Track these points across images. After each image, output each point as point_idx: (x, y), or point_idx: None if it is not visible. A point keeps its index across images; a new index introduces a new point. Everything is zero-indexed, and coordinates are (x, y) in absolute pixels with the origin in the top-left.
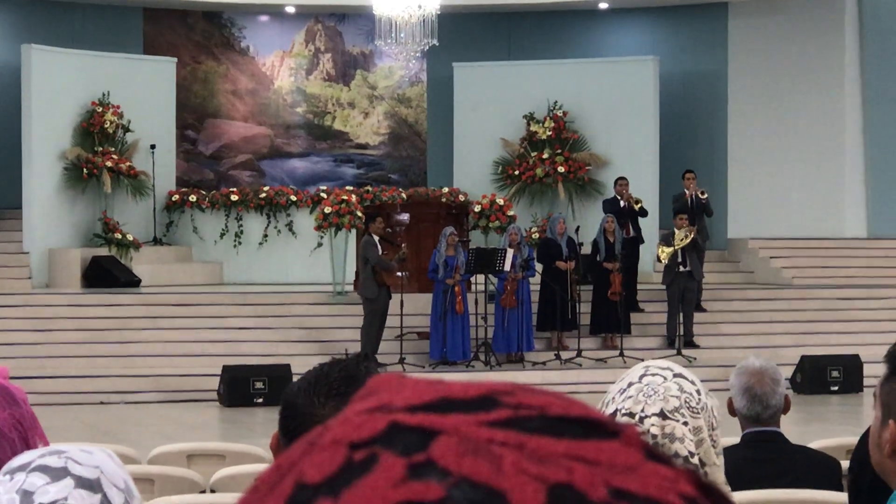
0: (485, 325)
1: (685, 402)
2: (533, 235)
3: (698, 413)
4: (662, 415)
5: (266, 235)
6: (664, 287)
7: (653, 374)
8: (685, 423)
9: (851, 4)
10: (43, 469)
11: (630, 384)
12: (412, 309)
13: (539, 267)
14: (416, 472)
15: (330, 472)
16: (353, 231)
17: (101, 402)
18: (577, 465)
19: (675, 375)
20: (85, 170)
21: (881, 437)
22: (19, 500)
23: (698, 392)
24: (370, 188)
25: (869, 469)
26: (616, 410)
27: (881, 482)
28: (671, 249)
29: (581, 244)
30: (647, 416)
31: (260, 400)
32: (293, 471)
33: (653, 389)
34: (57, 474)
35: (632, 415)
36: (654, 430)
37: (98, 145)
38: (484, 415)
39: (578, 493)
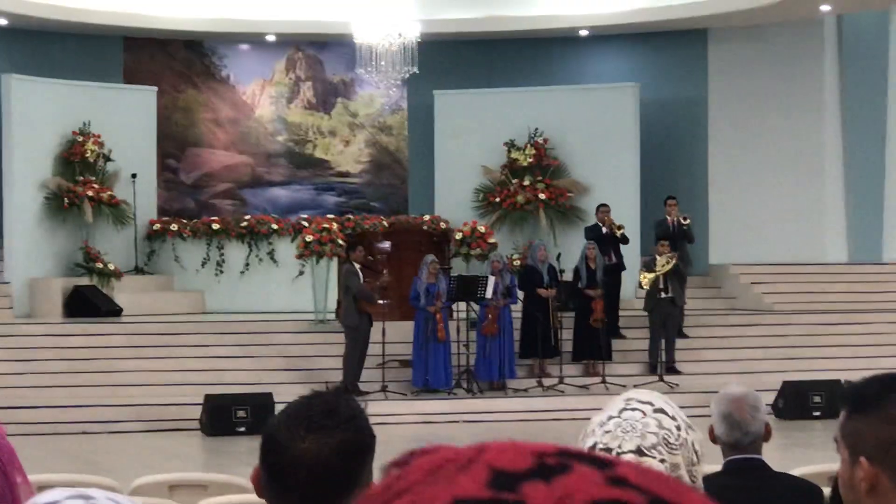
0: (467, 352)
1: (663, 438)
2: (514, 263)
3: (676, 450)
4: (639, 451)
5: (248, 264)
6: (646, 313)
7: (633, 409)
8: (662, 461)
9: (831, 32)
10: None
11: (610, 417)
12: (394, 337)
13: (521, 294)
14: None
15: None
16: (335, 259)
17: (84, 432)
18: None
19: (656, 410)
20: (66, 199)
21: (853, 477)
22: None
23: (678, 427)
24: (351, 216)
25: None
26: (595, 444)
27: None
28: (653, 275)
29: (562, 271)
30: (623, 453)
31: (242, 429)
32: None
33: (630, 425)
34: None
35: (609, 450)
36: None
37: (79, 175)
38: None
39: None
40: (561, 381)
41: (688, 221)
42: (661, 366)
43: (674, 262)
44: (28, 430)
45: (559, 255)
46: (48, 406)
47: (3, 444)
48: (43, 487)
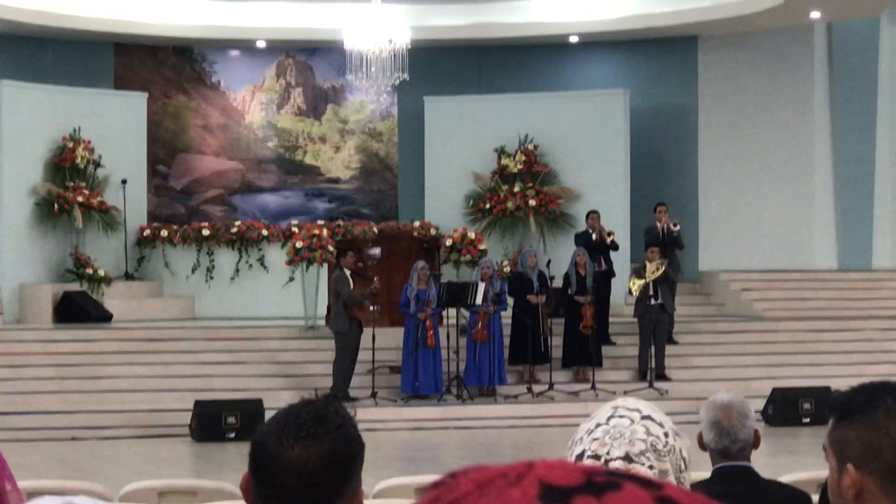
0: (456, 358)
1: (651, 445)
2: (504, 269)
3: (664, 456)
4: (628, 458)
5: (238, 270)
6: (636, 320)
7: (621, 416)
8: (650, 467)
9: (821, 39)
10: None
11: (598, 425)
12: (384, 343)
13: (510, 301)
14: None
15: None
16: (325, 265)
17: (73, 438)
18: None
19: (644, 417)
20: (56, 205)
21: (841, 484)
22: None
23: (666, 434)
24: (341, 222)
25: None
26: (583, 451)
27: None
28: (643, 282)
29: (552, 278)
30: (612, 459)
31: (232, 435)
32: None
33: (619, 432)
34: None
35: (597, 457)
36: None
37: (69, 180)
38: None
39: None
40: (551, 388)
41: (677, 228)
42: (650, 372)
43: (663, 268)
44: (17, 437)
45: (549, 261)
46: (38, 412)
47: None
48: (32, 494)
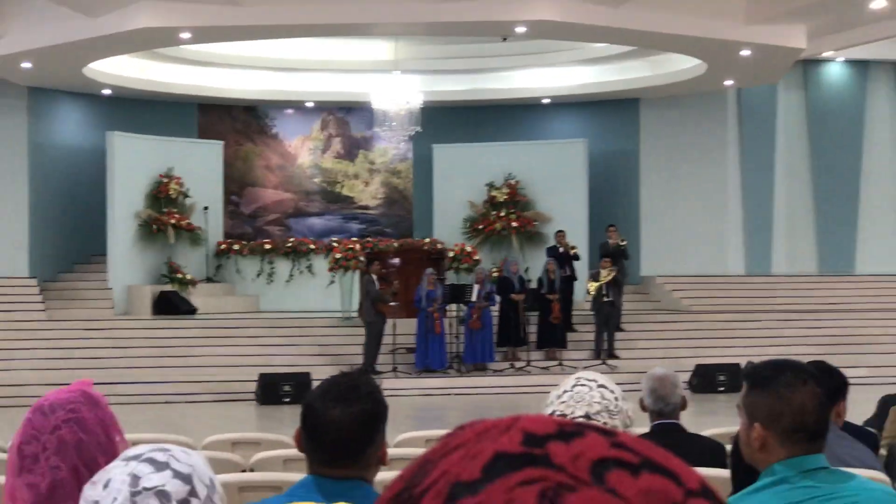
0: (457, 342)
1: (605, 406)
2: (493, 274)
3: (615, 415)
4: (587, 416)
5: (291, 275)
6: (592, 313)
7: (581, 385)
8: (605, 423)
9: (732, 101)
10: (150, 461)
11: (565, 391)
12: (402, 330)
13: (498, 298)
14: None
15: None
16: (357, 272)
17: (167, 402)
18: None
19: (599, 386)
20: (154, 226)
21: (749, 437)
22: (129, 482)
23: (616, 399)
24: (370, 239)
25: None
26: (553, 411)
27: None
28: (598, 284)
29: (529, 280)
30: (575, 417)
31: (287, 399)
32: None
33: (580, 397)
34: (160, 466)
35: (564, 415)
36: None
37: (164, 207)
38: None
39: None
40: (528, 364)
41: (625, 243)
42: (603, 353)
43: (614, 274)
44: (125, 401)
45: (527, 268)
46: (140, 382)
47: (106, 411)
48: (135, 443)
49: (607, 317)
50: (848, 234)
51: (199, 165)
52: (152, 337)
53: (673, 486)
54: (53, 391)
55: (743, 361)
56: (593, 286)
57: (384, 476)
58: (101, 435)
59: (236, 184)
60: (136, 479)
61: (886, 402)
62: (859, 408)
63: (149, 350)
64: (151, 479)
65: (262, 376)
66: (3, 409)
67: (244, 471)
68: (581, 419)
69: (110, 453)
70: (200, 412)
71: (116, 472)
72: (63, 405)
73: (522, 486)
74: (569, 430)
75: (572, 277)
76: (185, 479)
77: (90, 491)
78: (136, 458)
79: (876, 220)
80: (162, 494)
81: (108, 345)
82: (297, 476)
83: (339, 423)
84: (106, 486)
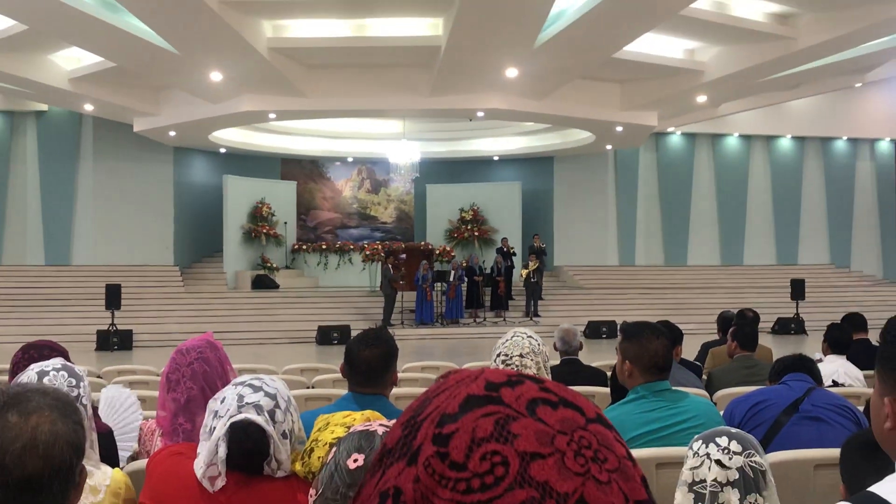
0: (440, 306)
1: (532, 349)
2: (463, 264)
3: (538, 355)
4: (521, 356)
5: (338, 264)
6: (524, 288)
7: (517, 336)
8: (532, 360)
9: (611, 159)
10: (250, 385)
11: (507, 340)
12: (407, 299)
13: (465, 279)
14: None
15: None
16: (379, 262)
17: (260, 343)
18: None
19: (528, 336)
20: (253, 234)
21: (622, 369)
22: (236, 398)
23: (539, 344)
24: (387, 242)
25: (618, 384)
26: (500, 352)
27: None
28: (527, 271)
29: (485, 268)
30: (514, 356)
31: (335, 342)
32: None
33: (517, 343)
34: (256, 389)
35: (507, 356)
36: (516, 363)
37: (259, 222)
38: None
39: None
40: (485, 320)
41: (544, 246)
42: (531, 313)
43: (537, 265)
44: (233, 343)
45: (484, 261)
46: (243, 331)
47: (222, 352)
48: (241, 372)
49: (533, 291)
50: (683, 239)
51: (281, 197)
52: (251, 303)
53: (578, 415)
54: (188, 339)
55: (618, 320)
56: (524, 272)
57: (396, 391)
58: (219, 368)
59: (304, 208)
60: (241, 397)
61: (705, 346)
62: (688, 349)
63: (249, 312)
64: (251, 397)
65: (320, 328)
66: (158, 349)
67: (308, 388)
68: (517, 358)
69: (225, 380)
70: (281, 350)
71: (228, 392)
72: (194, 349)
73: (484, 417)
74: (514, 380)
75: (511, 267)
76: (272, 397)
77: (212, 404)
78: (241, 383)
79: (700, 231)
80: (257, 406)
81: (223, 309)
82: (342, 391)
83: (368, 359)
84: (222, 401)
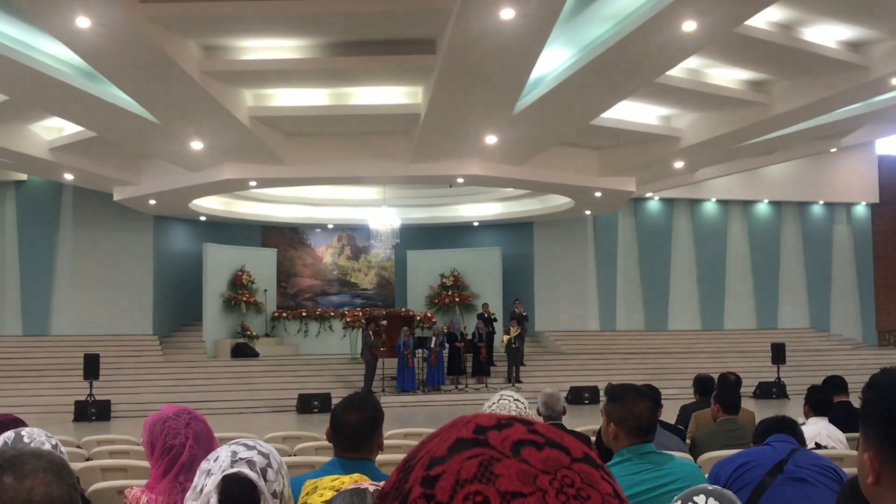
0: (422, 372)
1: (518, 411)
2: (444, 330)
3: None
4: None
5: (318, 331)
6: (505, 354)
7: (504, 399)
8: None
9: (590, 223)
10: (244, 444)
11: (494, 403)
12: (388, 365)
13: (447, 345)
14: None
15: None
16: (360, 329)
17: (239, 413)
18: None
19: (514, 399)
20: (232, 301)
21: (607, 431)
22: (230, 455)
23: (525, 407)
24: (368, 309)
25: (603, 446)
26: None
27: (609, 450)
28: (509, 337)
29: (466, 334)
30: None
31: (316, 410)
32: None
33: (503, 406)
34: (249, 447)
35: None
36: None
37: (239, 290)
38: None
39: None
40: (466, 386)
41: (525, 313)
42: (513, 379)
43: (519, 331)
44: (213, 412)
45: (465, 326)
46: (223, 400)
47: (202, 423)
48: (222, 440)
49: (514, 357)
50: (662, 304)
51: (262, 264)
52: (231, 372)
53: (563, 455)
54: (165, 406)
55: (601, 385)
56: (506, 338)
57: (380, 458)
58: (207, 430)
59: (284, 275)
60: (234, 453)
61: (685, 409)
62: (668, 413)
63: (229, 380)
64: (245, 453)
65: (300, 396)
66: (136, 418)
67: (290, 455)
68: None
69: (209, 448)
70: (261, 419)
71: (222, 451)
72: (181, 412)
73: (469, 459)
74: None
75: (493, 332)
76: (265, 455)
77: (204, 464)
78: (234, 442)
79: (680, 295)
80: (250, 462)
81: (202, 378)
82: (325, 459)
83: (353, 424)
84: (215, 460)
